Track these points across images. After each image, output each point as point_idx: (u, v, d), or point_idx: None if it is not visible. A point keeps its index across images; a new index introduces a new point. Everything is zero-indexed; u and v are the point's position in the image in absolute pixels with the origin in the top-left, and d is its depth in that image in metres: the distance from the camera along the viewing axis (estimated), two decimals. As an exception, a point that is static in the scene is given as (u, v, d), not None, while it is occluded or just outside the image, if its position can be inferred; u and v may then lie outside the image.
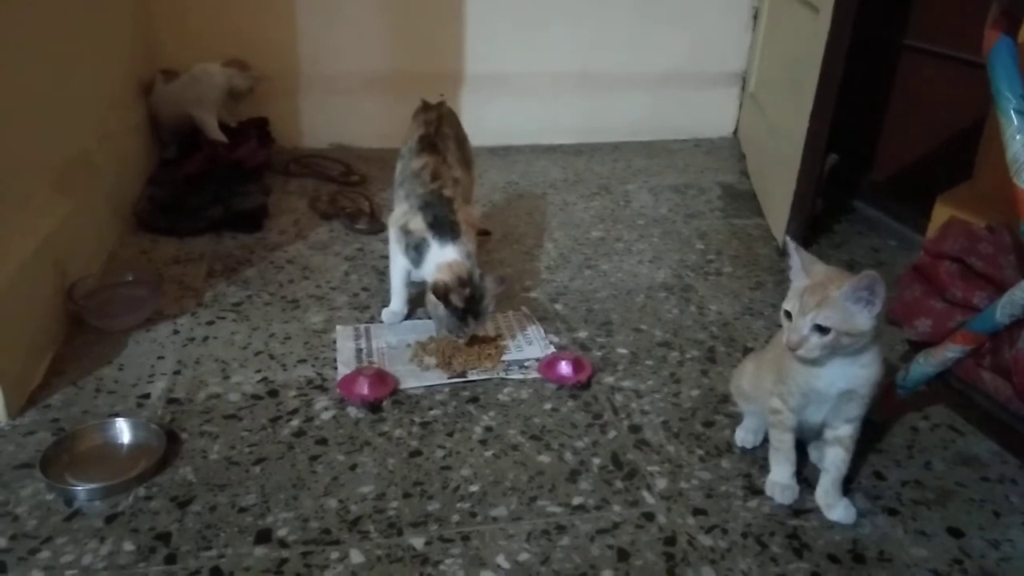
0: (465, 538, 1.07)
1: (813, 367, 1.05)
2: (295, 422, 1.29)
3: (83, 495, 1.11)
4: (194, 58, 2.33)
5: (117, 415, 1.27)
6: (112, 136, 1.93)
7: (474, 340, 1.49)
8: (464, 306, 1.40)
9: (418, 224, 1.48)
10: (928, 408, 1.38)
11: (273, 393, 1.36)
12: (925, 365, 1.22)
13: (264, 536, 1.06)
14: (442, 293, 1.40)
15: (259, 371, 1.42)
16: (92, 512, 1.09)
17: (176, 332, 1.53)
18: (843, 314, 0.98)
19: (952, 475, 1.23)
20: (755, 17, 2.73)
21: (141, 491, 1.13)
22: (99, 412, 1.29)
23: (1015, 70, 1.05)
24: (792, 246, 1.07)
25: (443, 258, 1.44)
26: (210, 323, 1.57)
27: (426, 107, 1.71)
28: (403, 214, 1.53)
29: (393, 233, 1.55)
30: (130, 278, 1.64)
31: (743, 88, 2.84)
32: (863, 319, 0.99)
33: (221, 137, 2.28)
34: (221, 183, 2.06)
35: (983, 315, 1.14)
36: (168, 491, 1.13)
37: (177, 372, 1.40)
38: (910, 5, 2.19)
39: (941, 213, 1.80)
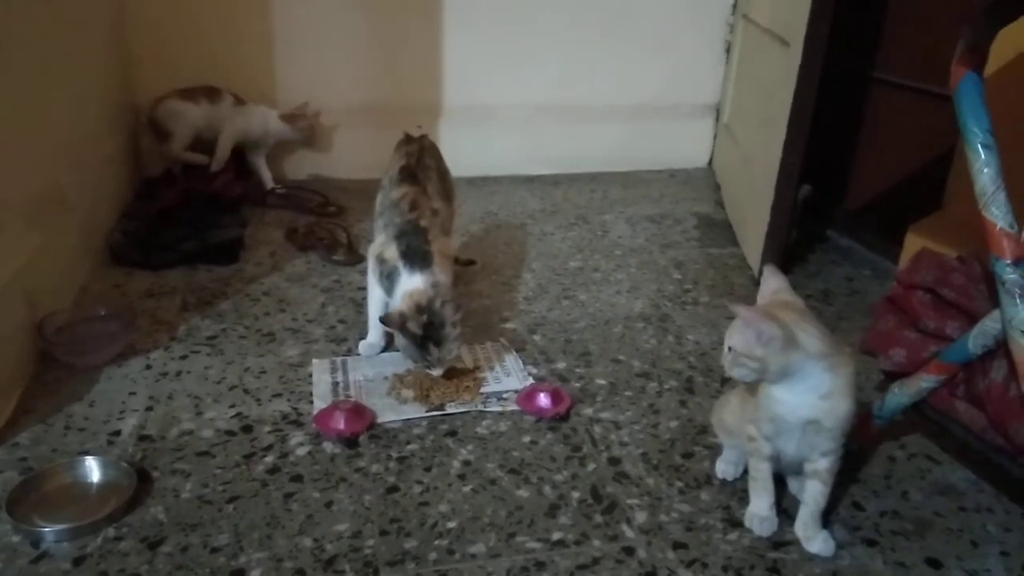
0: (443, 576, 1.05)
1: (774, 394, 1.06)
2: (269, 458, 1.27)
3: (51, 536, 1.09)
4: (171, 87, 2.34)
5: (87, 453, 1.24)
6: (86, 168, 1.91)
7: (452, 372, 1.49)
8: (422, 332, 1.39)
9: (392, 253, 1.48)
10: (904, 438, 1.38)
11: (247, 429, 1.34)
12: (900, 395, 1.23)
13: (237, 577, 1.04)
14: (396, 323, 1.39)
15: (233, 406, 1.40)
16: (60, 554, 1.06)
17: (148, 367, 1.51)
18: (742, 339, 1.02)
19: (929, 505, 1.23)
20: (728, 50, 2.78)
21: (111, 532, 1.10)
22: (68, 450, 1.26)
23: (981, 105, 1.07)
24: (770, 269, 1.11)
25: (409, 286, 1.44)
26: (183, 357, 1.55)
27: (408, 139, 1.72)
28: (380, 244, 1.53)
29: (370, 263, 1.55)
30: (102, 312, 1.62)
31: (717, 120, 2.88)
32: (756, 347, 1.01)
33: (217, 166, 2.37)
34: (197, 215, 2.05)
35: (956, 345, 1.15)
36: (138, 531, 1.11)
37: (149, 408, 1.38)
38: (879, 39, 2.24)
39: (913, 243, 1.83)
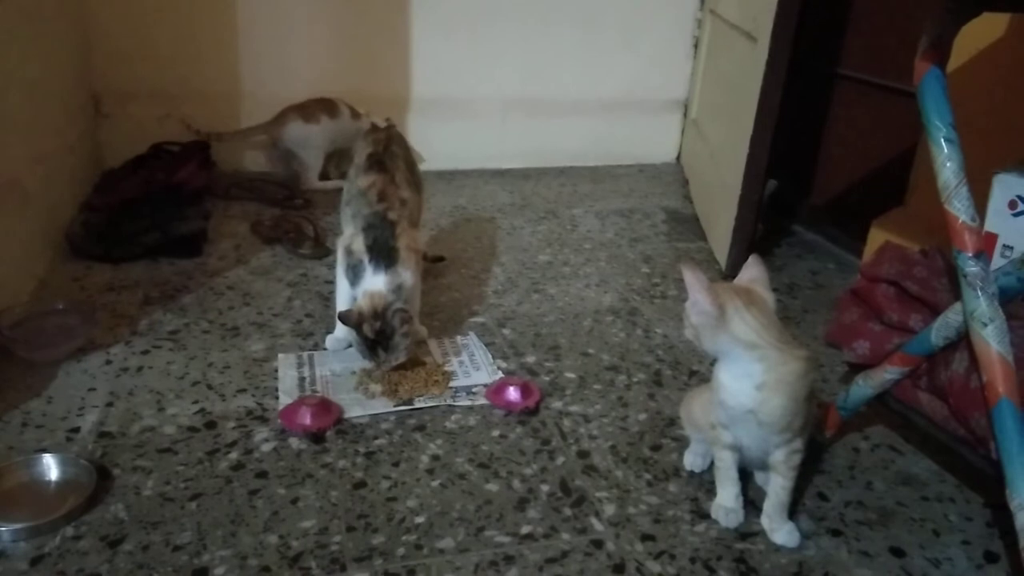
0: (411, 572, 1.04)
1: (718, 377, 1.08)
2: (234, 455, 1.24)
3: (7, 536, 1.06)
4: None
5: (45, 450, 1.21)
6: (44, 159, 1.86)
7: (421, 366, 1.48)
8: (373, 337, 1.39)
9: (359, 245, 1.46)
10: (868, 429, 1.40)
11: (211, 425, 1.31)
12: (864, 387, 1.24)
13: (200, 575, 1.02)
14: (353, 321, 1.39)
15: (196, 402, 1.37)
16: (16, 554, 1.03)
17: (109, 362, 1.48)
18: (689, 303, 1.06)
19: (893, 495, 1.25)
20: (696, 46, 2.79)
21: (69, 531, 1.08)
22: (25, 447, 1.23)
23: (944, 100, 1.08)
24: (754, 259, 1.12)
25: (371, 286, 1.43)
26: (145, 352, 1.51)
27: (375, 129, 1.71)
28: (349, 236, 1.51)
29: (339, 254, 1.53)
30: (61, 306, 1.58)
31: (685, 115, 2.89)
32: (692, 314, 1.06)
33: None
34: (158, 207, 2.00)
35: (919, 338, 1.16)
36: (98, 530, 1.08)
37: (109, 404, 1.35)
38: (844, 36, 2.26)
39: (876, 237, 1.85)
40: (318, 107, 2.40)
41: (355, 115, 2.43)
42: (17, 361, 1.44)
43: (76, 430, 1.28)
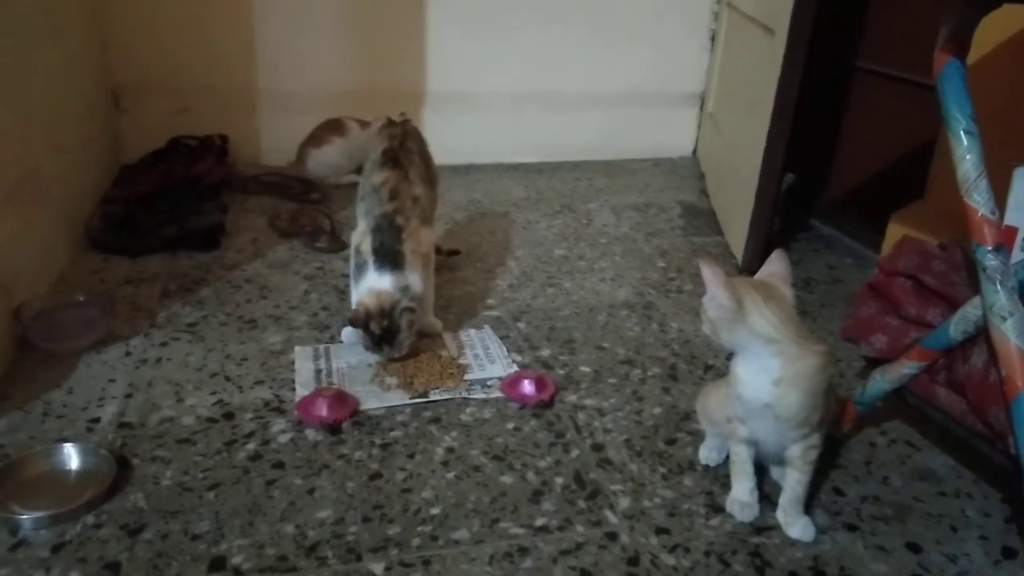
0: (426, 562, 1.05)
1: (736, 371, 1.08)
2: (251, 445, 1.26)
3: (29, 524, 1.07)
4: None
5: (65, 440, 1.23)
6: (64, 153, 1.88)
7: (436, 359, 1.49)
8: (380, 334, 1.41)
9: (366, 246, 1.48)
10: (885, 423, 1.40)
11: (228, 416, 1.33)
12: (881, 381, 1.24)
13: (218, 564, 1.03)
14: (361, 320, 1.41)
15: (214, 393, 1.39)
16: (38, 542, 1.05)
17: (128, 354, 1.49)
18: (705, 296, 1.06)
19: (910, 490, 1.24)
20: (713, 39, 2.78)
21: (90, 519, 1.09)
22: (46, 437, 1.25)
23: (964, 92, 1.07)
24: (778, 254, 1.12)
25: (376, 284, 1.44)
26: (164, 344, 1.53)
27: (391, 123, 1.71)
28: (361, 233, 1.52)
29: (351, 250, 1.54)
30: (81, 299, 1.60)
31: (702, 108, 2.88)
32: (709, 308, 1.06)
33: None
34: (176, 201, 2.02)
35: (937, 332, 1.15)
36: (118, 519, 1.09)
37: (129, 395, 1.37)
38: (863, 28, 2.24)
39: (894, 231, 1.84)
40: (325, 131, 2.40)
41: (363, 125, 2.41)
42: (38, 352, 1.46)
43: (96, 420, 1.30)
